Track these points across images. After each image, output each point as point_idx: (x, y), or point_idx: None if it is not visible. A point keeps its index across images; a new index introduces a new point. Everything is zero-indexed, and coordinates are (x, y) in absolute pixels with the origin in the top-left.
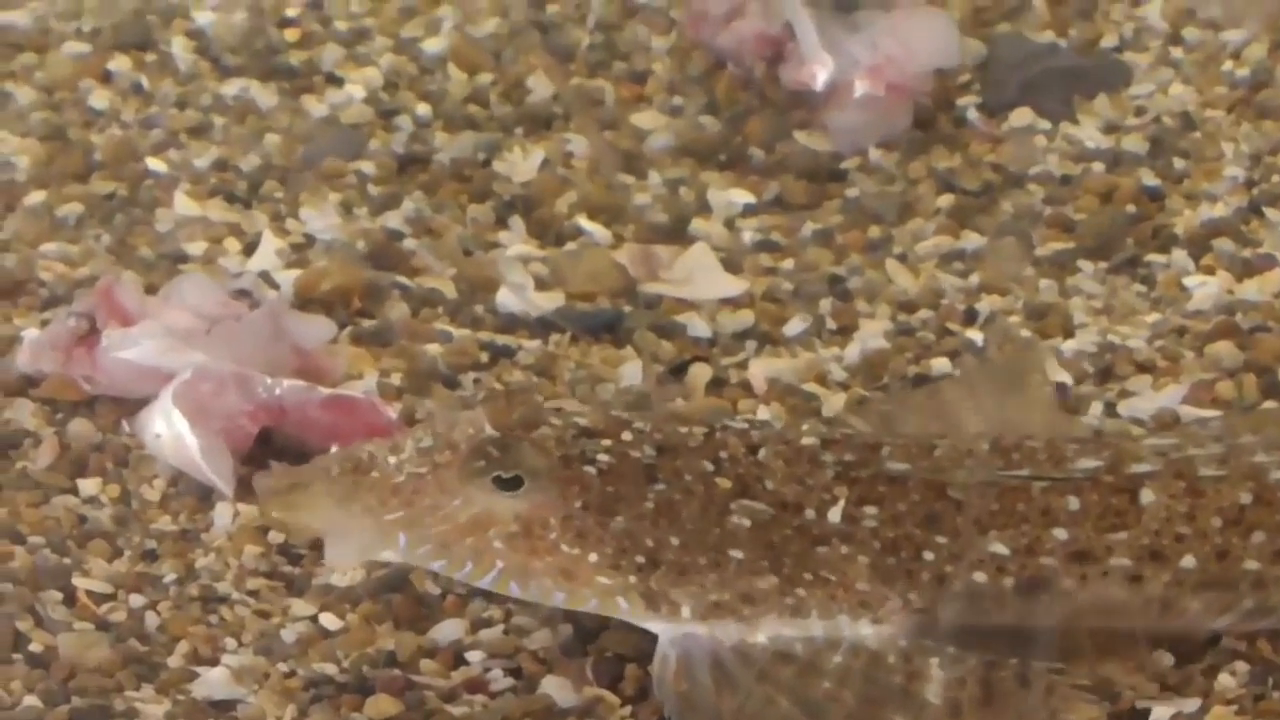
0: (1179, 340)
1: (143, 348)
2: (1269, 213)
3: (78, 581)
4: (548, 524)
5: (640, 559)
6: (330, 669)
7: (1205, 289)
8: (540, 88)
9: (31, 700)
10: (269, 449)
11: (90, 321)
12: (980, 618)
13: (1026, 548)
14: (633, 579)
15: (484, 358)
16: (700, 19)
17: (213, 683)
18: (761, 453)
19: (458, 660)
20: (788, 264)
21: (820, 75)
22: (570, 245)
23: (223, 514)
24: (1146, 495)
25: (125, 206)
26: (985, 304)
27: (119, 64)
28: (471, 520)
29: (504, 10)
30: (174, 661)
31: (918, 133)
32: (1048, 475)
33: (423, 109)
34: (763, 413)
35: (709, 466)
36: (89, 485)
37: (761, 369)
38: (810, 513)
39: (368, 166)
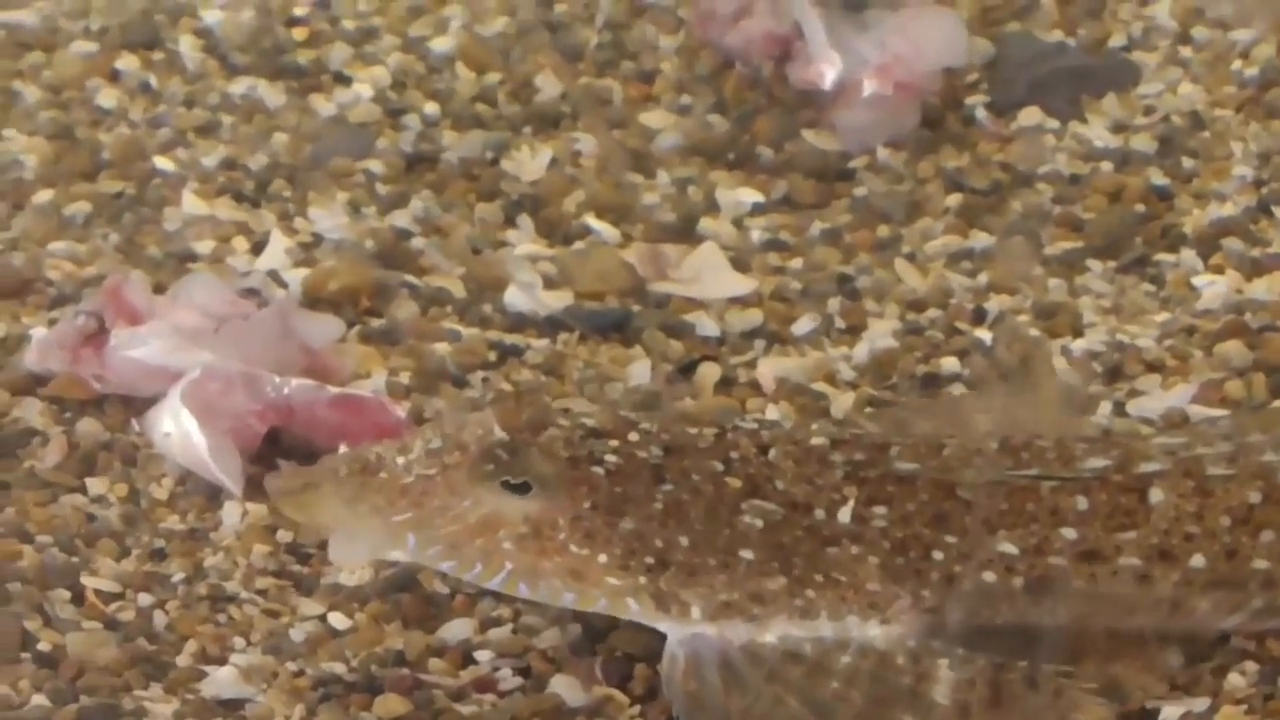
0: (1188, 339)
1: (151, 347)
2: (1278, 212)
3: (86, 580)
4: (556, 525)
5: (650, 560)
6: (339, 668)
7: (1214, 288)
8: (548, 87)
9: (40, 699)
10: (277, 448)
11: (98, 320)
12: (989, 617)
13: (1035, 547)
14: (642, 580)
15: (492, 357)
16: (708, 18)
17: (221, 682)
18: (771, 453)
19: (466, 659)
20: (796, 263)
21: (828, 74)
22: (578, 244)
23: (231, 513)
24: (1155, 494)
25: (133, 205)
26: (994, 303)
27: (127, 63)
28: (481, 521)
29: (512, 9)
30: (182, 660)
31: (926, 132)
32: (1056, 475)
33: (431, 108)
34: (771, 412)
35: (718, 466)
36: (97, 484)
37: (770, 368)
38: (820, 513)
39: (376, 165)
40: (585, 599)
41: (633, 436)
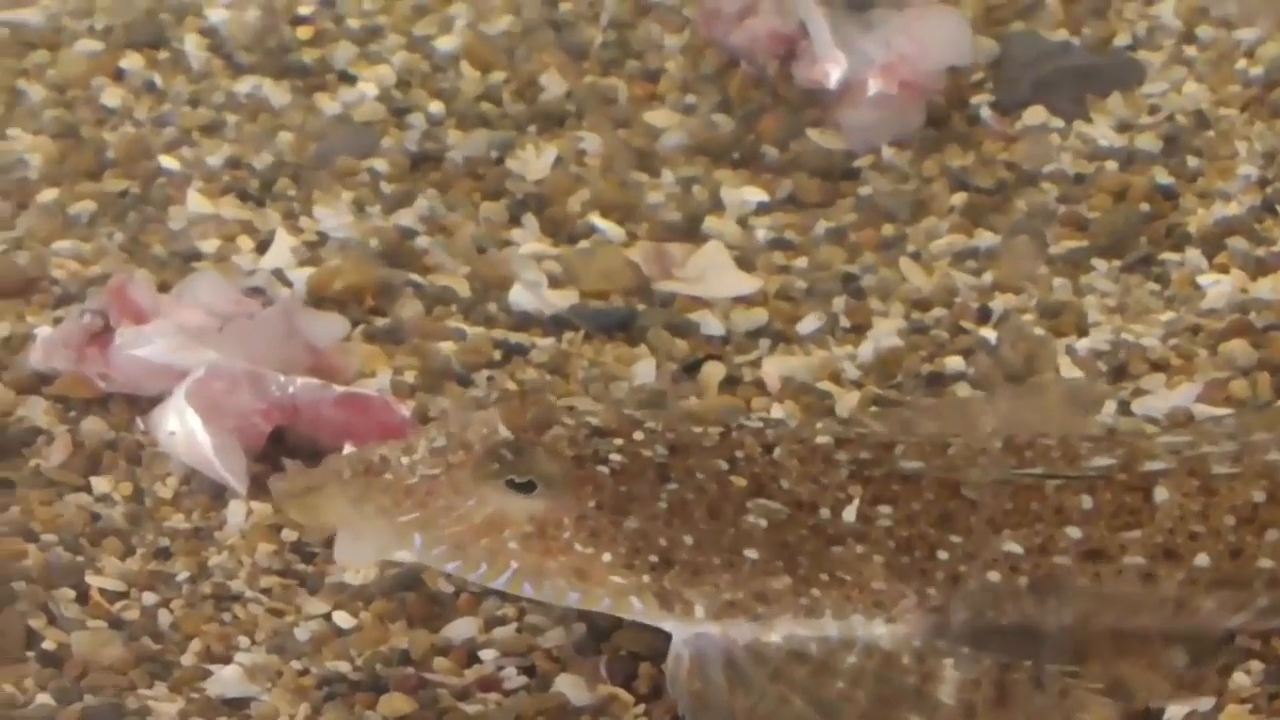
0: (1193, 339)
1: (156, 346)
2: None
3: (91, 579)
4: (561, 524)
5: (654, 558)
6: (343, 667)
7: (1219, 287)
8: (553, 85)
9: (44, 698)
10: (282, 447)
11: (103, 319)
12: (994, 617)
13: (1040, 547)
14: (646, 578)
15: (497, 356)
16: (713, 17)
17: (226, 681)
18: (776, 452)
19: (471, 658)
20: (801, 262)
21: (833, 73)
22: (583, 243)
23: (236, 512)
24: (1160, 493)
25: (138, 204)
26: (999, 302)
27: (131, 62)
28: (486, 521)
29: (517, 8)
30: (187, 659)
31: (931, 131)
32: (1061, 473)
33: (435, 107)
34: (776, 411)
35: (723, 465)
36: (102, 483)
37: (775, 367)
38: (825, 512)
39: (380, 164)
40: (590, 598)
41: (637, 435)
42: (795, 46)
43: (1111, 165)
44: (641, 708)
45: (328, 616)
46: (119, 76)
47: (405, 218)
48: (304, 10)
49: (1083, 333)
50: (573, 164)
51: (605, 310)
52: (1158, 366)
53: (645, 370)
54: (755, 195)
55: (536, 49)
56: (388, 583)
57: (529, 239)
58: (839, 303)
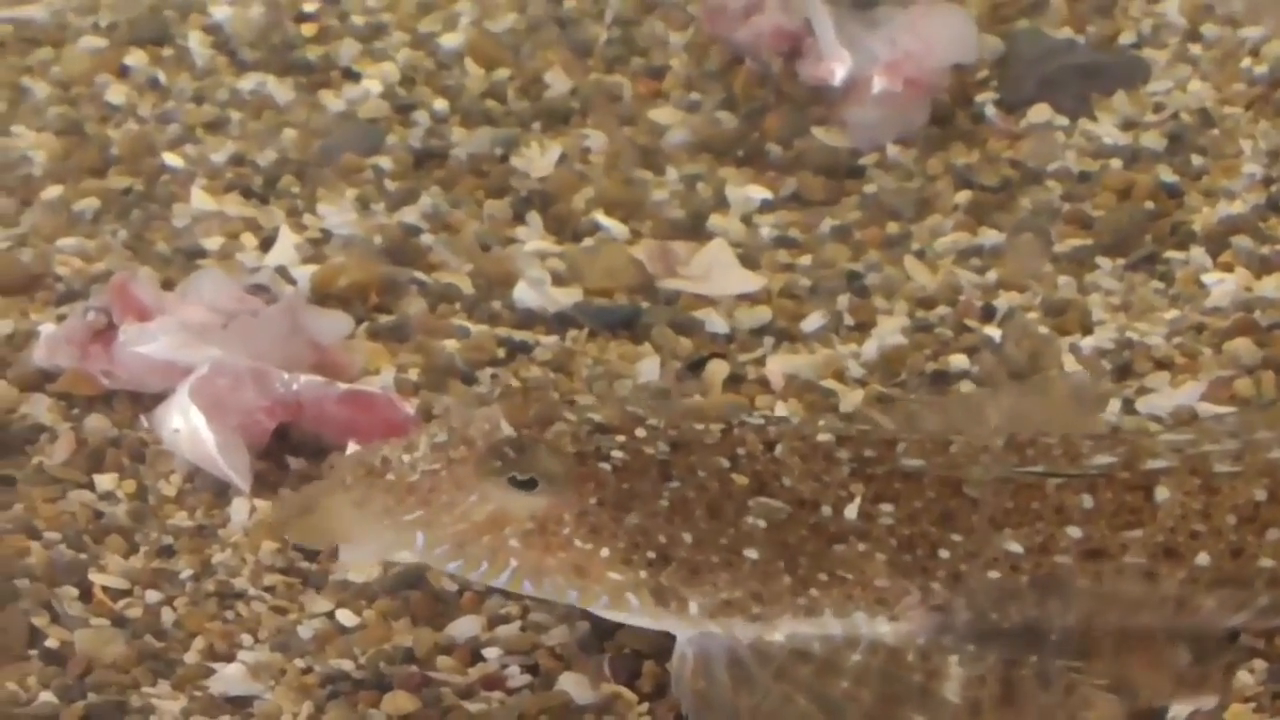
0: (1197, 337)
1: (159, 343)
2: None
3: (94, 577)
4: (562, 521)
5: (652, 554)
6: (347, 665)
7: (1223, 286)
8: (558, 83)
9: (47, 696)
10: (286, 444)
11: (107, 316)
12: (996, 616)
13: (1041, 545)
14: (643, 574)
15: (501, 353)
16: (718, 14)
17: (229, 679)
18: (778, 449)
19: (475, 657)
20: (805, 260)
21: (838, 71)
22: (588, 241)
23: (239, 509)
24: (1161, 492)
25: (142, 201)
26: (1003, 300)
27: (136, 59)
28: (488, 518)
29: (521, 5)
30: (190, 657)
31: (935, 129)
32: (1062, 472)
33: (440, 104)
34: (780, 409)
35: (725, 463)
36: (105, 480)
37: (779, 365)
38: (826, 510)
39: (385, 162)
40: (587, 595)
41: (640, 432)
42: (800, 44)
43: (1116, 163)
44: (645, 706)
45: (331, 614)
46: (123, 73)
47: (409, 215)
48: (308, 7)
49: (1087, 331)
50: (577, 161)
51: (609, 308)
52: (1162, 365)
53: (649, 368)
54: (759, 193)
55: (541, 46)
56: (391, 581)
57: (533, 236)
58: (843, 301)
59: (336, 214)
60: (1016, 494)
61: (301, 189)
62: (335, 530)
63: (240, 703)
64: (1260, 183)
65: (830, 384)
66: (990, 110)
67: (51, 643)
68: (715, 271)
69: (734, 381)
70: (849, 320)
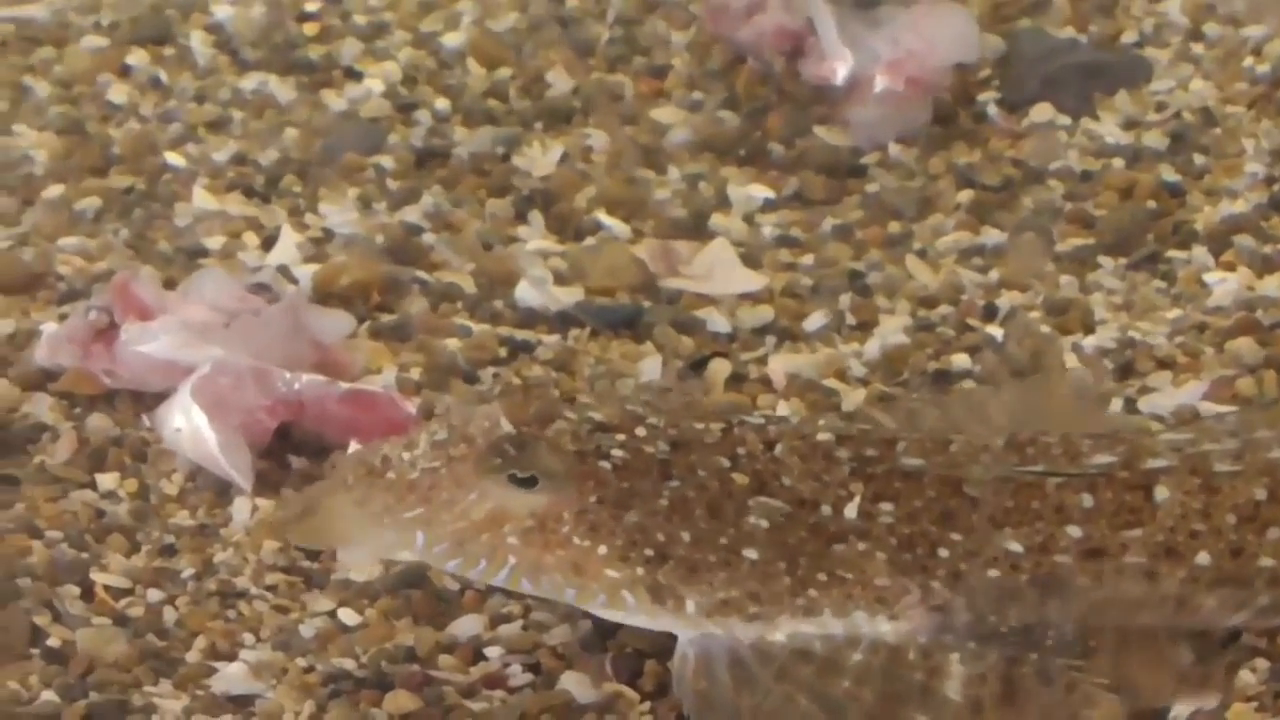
0: (1199, 336)
1: (161, 342)
2: None
3: (96, 576)
4: (562, 519)
5: (650, 552)
6: (349, 664)
7: (1225, 285)
8: (560, 82)
9: (49, 695)
10: (288, 443)
11: (109, 316)
12: (996, 615)
13: (1041, 545)
14: (640, 571)
15: (503, 353)
16: (720, 13)
17: (231, 678)
18: (778, 448)
19: (476, 656)
20: (807, 259)
21: (840, 70)
22: (589, 240)
23: (241, 509)
24: (1161, 492)
25: (143, 201)
26: (1005, 300)
27: (137, 58)
28: (487, 516)
29: (523, 5)
30: (192, 657)
31: (938, 128)
32: (1062, 471)
33: (442, 103)
34: (782, 408)
35: (724, 462)
36: (107, 480)
37: (781, 364)
38: (826, 509)
39: (386, 161)
40: (585, 593)
41: (640, 431)
42: (802, 43)
43: (1118, 163)
44: (646, 705)
45: (333, 613)
46: (125, 73)
47: (411, 214)
48: (310, 7)
49: (1089, 330)
50: (579, 160)
51: (611, 307)
52: (1164, 364)
53: (651, 367)
54: (761, 192)
55: (543, 45)
56: (393, 580)
57: (535, 236)
58: (845, 300)
59: (338, 213)
60: (1016, 493)
61: (303, 188)
62: (336, 531)
63: (242, 702)
64: (1262, 182)
65: (832, 383)
66: (992, 109)
67: (53, 642)
68: (717, 271)
69: (736, 381)
70: (851, 319)
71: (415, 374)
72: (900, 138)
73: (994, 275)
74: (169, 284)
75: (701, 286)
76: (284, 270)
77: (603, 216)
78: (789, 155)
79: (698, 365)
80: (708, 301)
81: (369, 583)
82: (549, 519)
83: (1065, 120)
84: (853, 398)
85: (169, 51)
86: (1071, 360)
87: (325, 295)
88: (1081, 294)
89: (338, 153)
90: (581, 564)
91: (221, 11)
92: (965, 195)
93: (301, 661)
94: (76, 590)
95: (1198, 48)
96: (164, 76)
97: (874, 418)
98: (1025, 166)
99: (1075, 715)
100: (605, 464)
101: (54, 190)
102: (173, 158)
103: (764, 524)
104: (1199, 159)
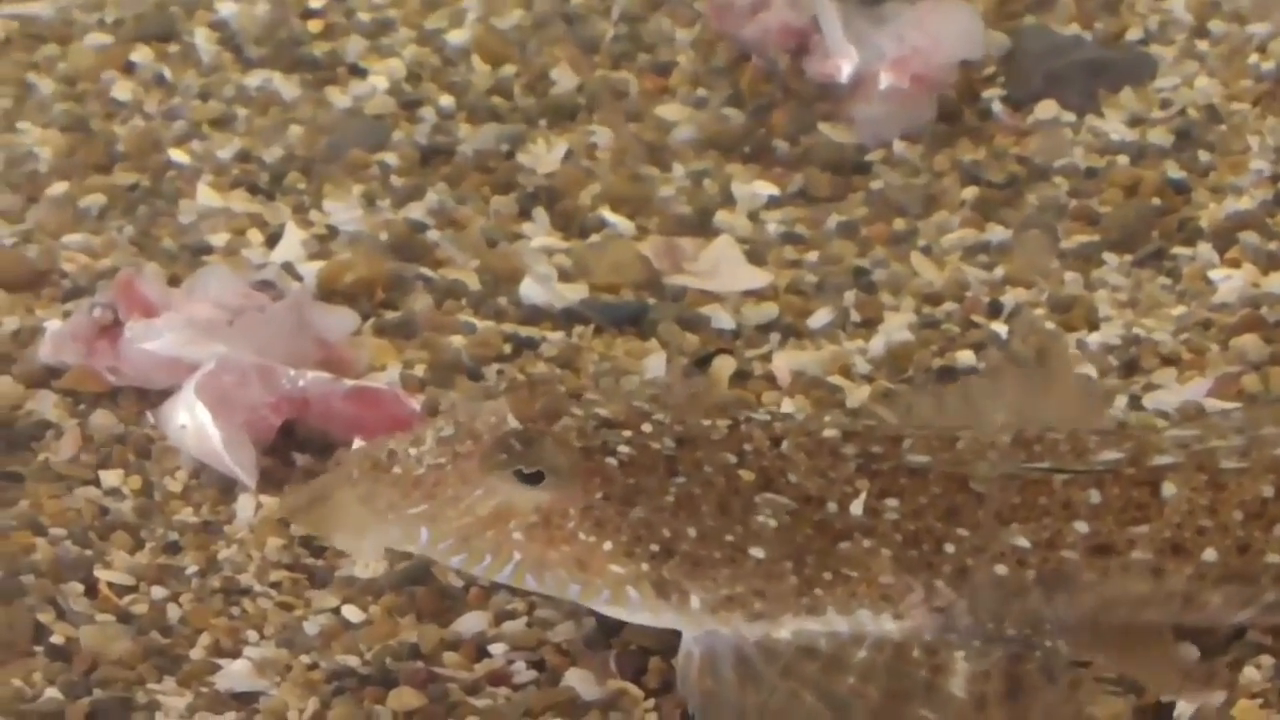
0: (1204, 333)
1: (165, 339)
2: None
3: (99, 573)
4: (567, 515)
5: (655, 548)
6: (353, 661)
7: (1230, 282)
8: (564, 79)
9: (53, 693)
10: (292, 441)
11: (113, 313)
12: (1001, 611)
13: (1048, 541)
14: (645, 567)
15: (507, 349)
16: (725, 11)
17: (235, 675)
18: (784, 445)
19: (481, 653)
20: (812, 256)
21: (845, 67)
22: (594, 237)
23: (245, 506)
24: (1168, 488)
25: (148, 198)
26: (1010, 296)
27: (142, 55)
28: (492, 512)
29: (528, 2)
30: (196, 654)
31: (942, 125)
32: (1069, 468)
33: (446, 100)
34: (787, 405)
35: (730, 458)
36: (111, 477)
37: (786, 361)
38: (832, 506)
39: (391, 158)
40: (589, 589)
41: (646, 427)
42: (807, 40)
43: (1123, 160)
44: (651, 702)
45: (337, 611)
46: (129, 70)
47: (415, 211)
48: (314, 4)
49: (1094, 327)
50: (583, 158)
51: (616, 304)
52: (1169, 361)
53: (656, 364)
54: (766, 189)
55: (547, 42)
56: (397, 577)
57: (539, 233)
58: (850, 297)
59: (343, 210)
60: (1024, 489)
61: (308, 185)
62: (342, 523)
63: (246, 699)
64: (1267, 179)
65: (837, 380)
66: (997, 107)
67: (57, 639)
68: (722, 267)
69: (741, 377)
70: (856, 316)
71: (420, 371)
72: (905, 135)
73: (999, 272)
74: (173, 281)
75: (706, 283)
76: (288, 267)
77: (607, 213)
78: (794, 152)
79: (702, 362)
80: (712, 298)
81: (373, 580)
82: (554, 515)
83: (1070, 117)
84: (858, 394)
85: (173, 48)
86: (1076, 357)
87: (330, 292)
88: (1086, 291)
89: (342, 150)
90: (586, 560)
91: (226, 8)
92: (970, 192)
93: (305, 658)
94: (80, 587)
95: (1203, 45)
96: (168, 73)
97: (876, 413)
98: (1030, 163)
99: (1079, 712)
100: (611, 460)
101: (58, 187)
102: (177, 155)
103: (770, 521)
104: (1204, 156)
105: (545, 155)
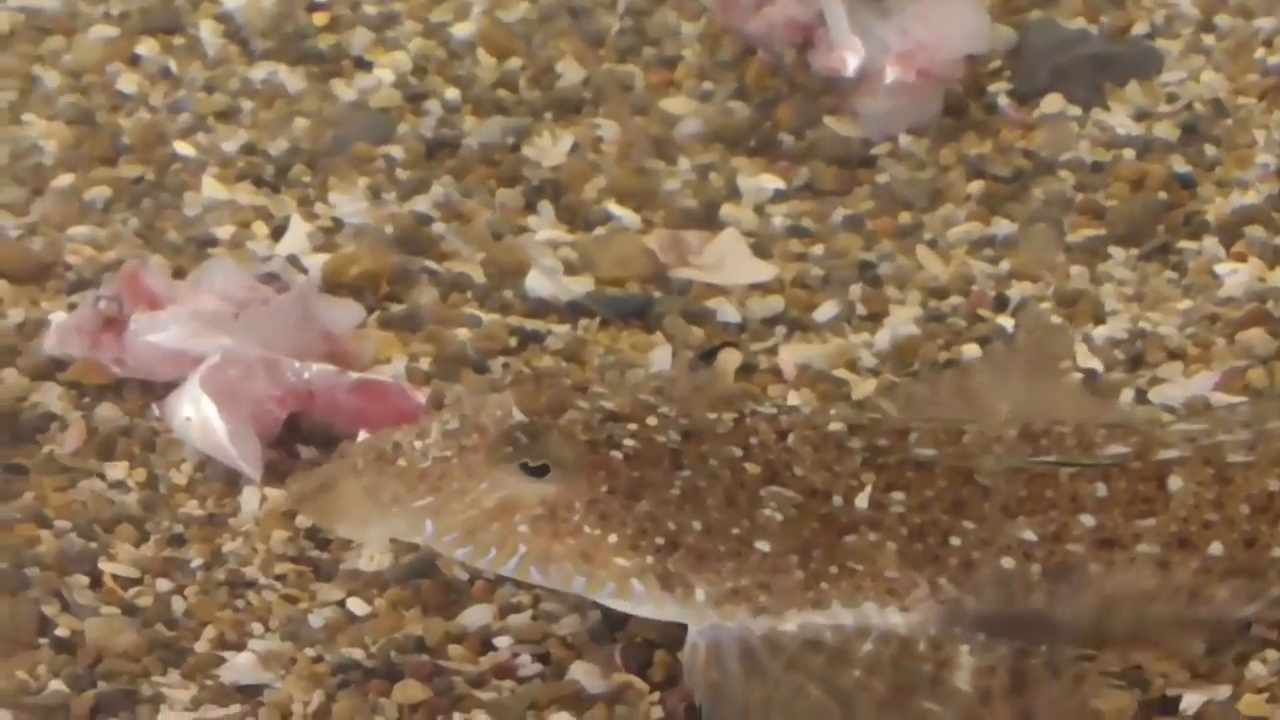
0: (1210, 327)
1: (170, 332)
2: None
3: (104, 566)
4: (573, 507)
5: (660, 540)
6: (358, 654)
7: (1236, 276)
8: (570, 72)
9: (57, 685)
10: (297, 433)
11: (118, 305)
12: (1008, 604)
13: (1054, 534)
14: (650, 559)
15: (513, 342)
16: (731, 4)
17: (240, 668)
18: (790, 438)
19: (486, 646)
20: (818, 250)
21: (851, 61)
22: (600, 230)
23: (250, 499)
24: (1175, 482)
25: (153, 190)
26: (1016, 290)
27: (147, 48)
28: (498, 505)
29: None
30: (201, 646)
31: (948, 119)
32: (1076, 461)
33: (452, 93)
34: (792, 398)
35: (736, 452)
36: (116, 469)
37: (791, 355)
38: (838, 499)
39: (396, 151)
40: (594, 582)
41: (651, 421)
42: (813, 34)
43: (1129, 154)
44: (656, 695)
45: (342, 603)
46: (134, 62)
47: (421, 204)
48: None
49: (1100, 321)
50: (589, 151)
51: (621, 297)
52: (1175, 355)
53: (661, 357)
54: (772, 183)
55: (553, 36)
56: (402, 570)
57: (545, 226)
58: (855, 290)
59: (348, 203)
60: (1030, 483)
61: (313, 178)
62: (347, 514)
63: (251, 691)
64: (1274, 173)
65: (842, 374)
66: (1003, 100)
67: (62, 631)
68: (727, 261)
69: (746, 371)
70: (861, 310)
71: (425, 364)
72: (911, 129)
73: (1005, 266)
74: (178, 274)
75: (712, 277)
76: (293, 260)
77: (613, 207)
78: (799, 146)
79: (708, 355)
80: (718, 292)
81: (378, 573)
82: (560, 508)
83: (1076, 111)
84: (863, 388)
85: (179, 41)
86: (1082, 351)
87: (335, 285)
88: (1092, 285)
89: (347, 143)
90: (591, 553)
91: (231, 1)
92: (976, 186)
93: (310, 651)
94: (85, 580)
95: (1209, 39)
96: (174, 66)
97: (879, 406)
98: (1036, 157)
99: (1085, 706)
100: (616, 453)
101: (63, 180)
102: (182, 147)
103: (775, 514)
104: (1210, 150)
105: (551, 148)
